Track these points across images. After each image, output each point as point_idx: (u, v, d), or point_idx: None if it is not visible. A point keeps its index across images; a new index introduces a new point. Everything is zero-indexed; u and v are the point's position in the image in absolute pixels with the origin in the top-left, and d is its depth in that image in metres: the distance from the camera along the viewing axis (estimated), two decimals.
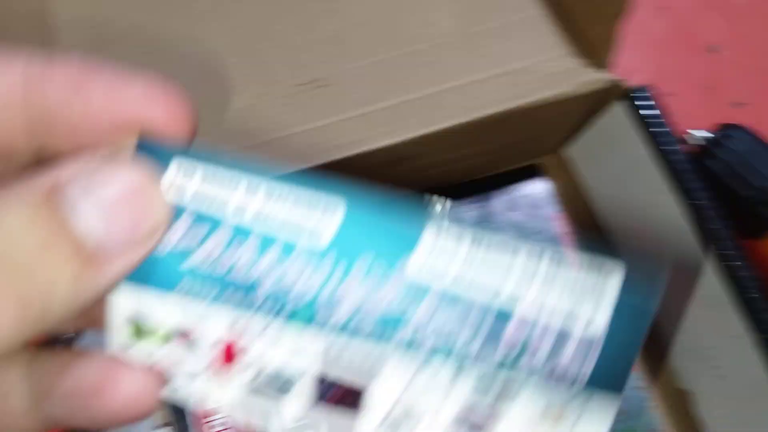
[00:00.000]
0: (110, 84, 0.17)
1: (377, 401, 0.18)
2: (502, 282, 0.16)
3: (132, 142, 0.17)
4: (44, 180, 0.15)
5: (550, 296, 0.16)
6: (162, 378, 0.18)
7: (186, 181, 0.17)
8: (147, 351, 0.18)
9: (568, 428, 0.17)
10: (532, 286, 0.16)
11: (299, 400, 0.18)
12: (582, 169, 0.40)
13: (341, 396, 0.18)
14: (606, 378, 0.17)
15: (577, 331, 0.16)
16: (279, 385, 0.18)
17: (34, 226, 0.15)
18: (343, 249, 0.17)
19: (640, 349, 0.16)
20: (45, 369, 0.18)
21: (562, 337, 0.16)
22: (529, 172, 0.44)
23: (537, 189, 0.44)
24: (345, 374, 0.17)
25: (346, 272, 0.17)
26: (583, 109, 0.34)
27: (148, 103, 0.17)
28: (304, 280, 0.17)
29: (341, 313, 0.17)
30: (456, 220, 0.17)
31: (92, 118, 0.17)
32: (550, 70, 0.30)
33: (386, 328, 0.17)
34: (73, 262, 0.15)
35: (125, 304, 0.18)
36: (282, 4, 0.32)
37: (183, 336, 0.18)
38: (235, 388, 0.18)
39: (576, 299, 0.16)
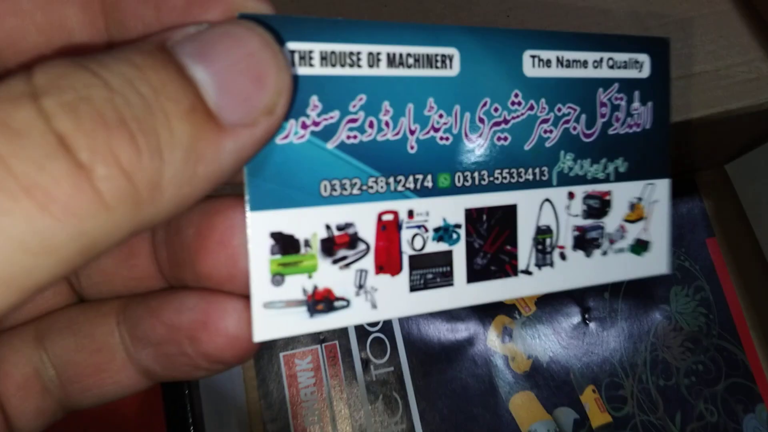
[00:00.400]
0: None
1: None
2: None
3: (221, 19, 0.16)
4: (155, 38, 0.15)
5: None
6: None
7: (304, 62, 0.18)
8: (299, 285, 0.18)
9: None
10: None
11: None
12: (747, 191, 0.38)
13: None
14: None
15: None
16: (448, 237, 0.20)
17: (150, 70, 0.13)
18: (467, 92, 0.20)
19: None
20: (137, 316, 0.18)
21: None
22: (682, 187, 0.40)
23: (690, 207, 0.41)
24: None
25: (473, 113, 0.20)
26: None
27: None
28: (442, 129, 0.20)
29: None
30: None
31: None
32: (737, 77, 0.28)
33: None
34: (192, 117, 0.14)
35: (262, 234, 0.18)
36: None
37: (339, 240, 0.19)
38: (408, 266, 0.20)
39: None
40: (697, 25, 0.29)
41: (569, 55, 0.22)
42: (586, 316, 0.44)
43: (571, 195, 0.23)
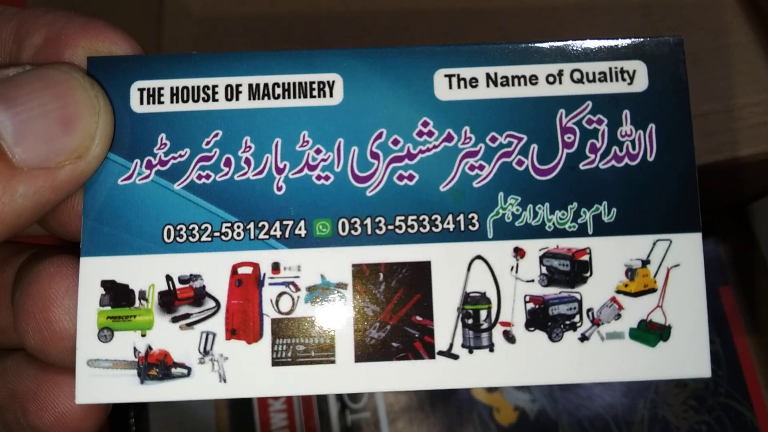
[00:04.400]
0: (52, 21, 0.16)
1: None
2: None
3: (77, 63, 0.16)
4: None
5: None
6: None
7: (153, 99, 0.17)
8: (129, 343, 0.16)
9: None
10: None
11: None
12: (767, 235, 0.32)
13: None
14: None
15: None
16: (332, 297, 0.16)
17: None
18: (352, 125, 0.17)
19: None
20: None
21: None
22: None
23: (703, 252, 0.34)
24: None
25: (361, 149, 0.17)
26: None
27: (86, 34, 0.16)
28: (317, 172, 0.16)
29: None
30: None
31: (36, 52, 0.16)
32: (754, 119, 0.22)
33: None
34: None
35: (92, 282, 0.16)
36: None
37: (182, 294, 0.16)
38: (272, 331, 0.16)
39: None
40: (710, 58, 0.23)
41: (507, 70, 0.17)
42: None
43: (518, 252, 0.16)
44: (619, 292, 0.16)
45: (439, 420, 0.38)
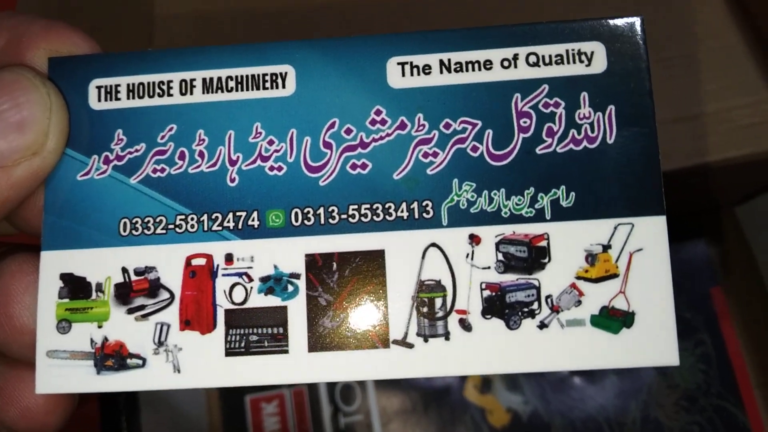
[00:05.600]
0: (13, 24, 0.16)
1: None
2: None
3: (38, 64, 0.17)
4: None
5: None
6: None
7: (111, 96, 0.17)
8: (86, 334, 0.16)
9: None
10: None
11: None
12: (760, 237, 0.32)
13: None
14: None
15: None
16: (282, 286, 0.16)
17: None
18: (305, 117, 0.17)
19: None
20: None
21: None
22: (686, 230, 0.30)
23: (694, 253, 0.37)
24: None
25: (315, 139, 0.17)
26: None
27: (46, 36, 0.16)
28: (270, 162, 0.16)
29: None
30: None
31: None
32: (742, 120, 0.22)
33: None
34: None
35: (52, 275, 0.16)
36: None
37: (137, 286, 0.16)
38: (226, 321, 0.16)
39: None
40: (699, 61, 0.23)
41: (460, 56, 0.17)
42: None
43: (474, 239, 0.16)
44: (579, 278, 0.16)
45: (431, 422, 0.37)
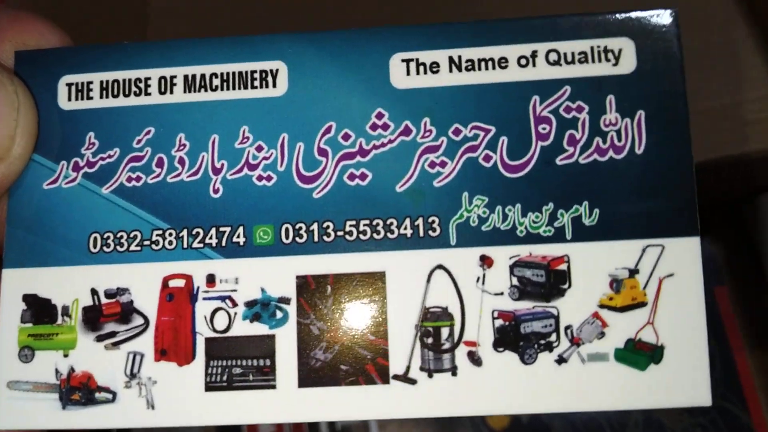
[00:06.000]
0: None
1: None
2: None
3: (4, 58, 0.15)
4: None
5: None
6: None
7: (82, 95, 0.15)
8: (51, 364, 0.14)
9: None
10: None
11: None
12: (765, 235, 0.32)
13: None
14: None
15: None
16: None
17: None
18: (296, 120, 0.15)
19: None
20: None
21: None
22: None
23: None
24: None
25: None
26: None
27: (12, 27, 0.15)
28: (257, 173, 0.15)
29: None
30: None
31: None
32: (750, 116, 0.22)
33: None
34: None
35: (14, 296, 0.15)
36: None
37: (107, 310, 0.14)
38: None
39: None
40: (708, 56, 0.23)
41: (472, 52, 0.15)
42: None
43: (485, 261, 0.14)
44: (602, 306, 0.14)
45: (430, 424, 0.37)
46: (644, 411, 0.37)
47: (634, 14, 0.15)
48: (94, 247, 0.15)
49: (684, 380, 0.14)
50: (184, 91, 0.15)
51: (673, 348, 0.14)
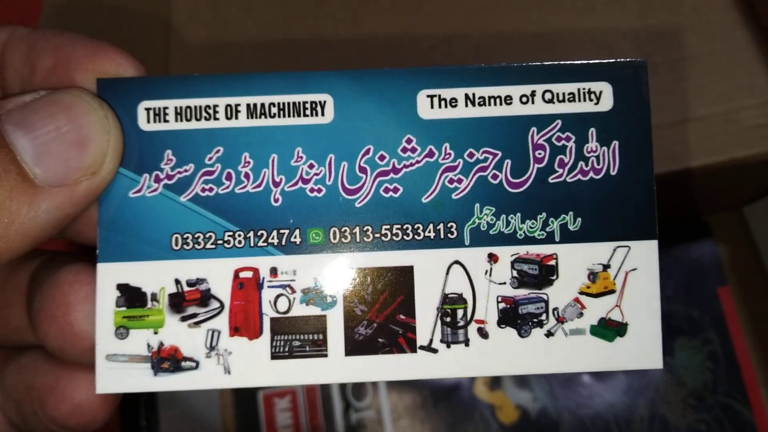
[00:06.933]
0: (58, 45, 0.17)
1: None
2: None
3: (87, 84, 0.17)
4: None
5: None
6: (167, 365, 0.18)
7: (159, 118, 0.18)
8: (143, 340, 0.18)
9: None
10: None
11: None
12: (766, 236, 0.33)
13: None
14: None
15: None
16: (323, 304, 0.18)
17: None
18: (342, 143, 0.18)
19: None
20: (9, 369, 0.19)
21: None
22: (694, 231, 0.32)
23: (701, 253, 0.37)
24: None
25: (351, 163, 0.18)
26: None
27: (93, 57, 0.17)
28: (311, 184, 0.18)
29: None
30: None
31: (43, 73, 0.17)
32: (750, 122, 0.23)
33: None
34: (4, 179, 0.15)
35: (109, 285, 0.18)
36: None
37: (189, 296, 0.18)
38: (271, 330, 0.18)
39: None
40: (708, 63, 0.24)
41: (484, 91, 0.18)
42: None
43: (492, 257, 0.18)
44: (581, 293, 0.18)
45: (441, 418, 0.38)
46: (650, 408, 0.38)
47: (612, 63, 0.18)
48: (176, 245, 0.18)
49: (642, 349, 0.18)
50: (247, 117, 0.18)
51: (634, 325, 0.18)
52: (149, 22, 0.32)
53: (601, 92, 0.18)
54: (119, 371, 0.18)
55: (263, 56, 0.31)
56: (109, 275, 0.18)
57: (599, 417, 0.39)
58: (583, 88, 0.18)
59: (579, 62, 0.18)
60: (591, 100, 0.18)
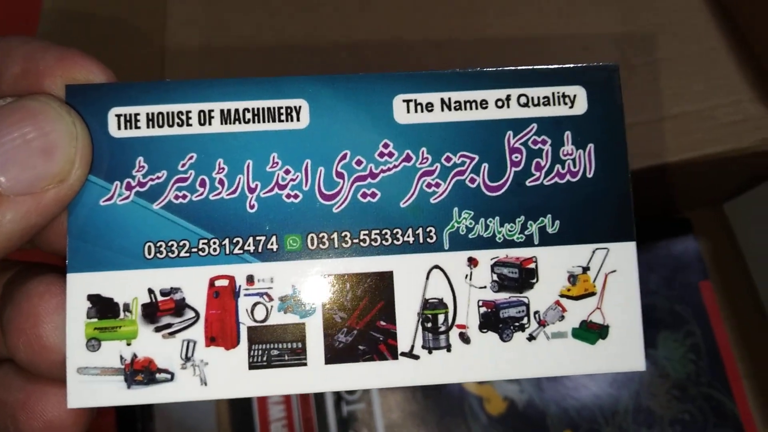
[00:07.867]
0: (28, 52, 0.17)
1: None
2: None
3: (56, 91, 0.17)
4: None
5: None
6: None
7: (131, 125, 0.18)
8: (116, 352, 0.17)
9: None
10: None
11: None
12: (746, 232, 0.34)
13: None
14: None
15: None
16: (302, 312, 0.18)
17: None
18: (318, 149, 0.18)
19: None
20: None
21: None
22: (676, 227, 0.34)
23: (683, 248, 0.38)
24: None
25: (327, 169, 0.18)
26: (762, 167, 0.24)
27: (62, 64, 0.17)
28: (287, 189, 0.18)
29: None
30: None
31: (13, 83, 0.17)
32: (725, 119, 0.24)
33: None
34: None
35: (79, 296, 0.17)
36: None
37: (163, 306, 0.17)
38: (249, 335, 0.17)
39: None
40: (684, 64, 0.25)
41: (459, 95, 0.18)
42: None
43: (472, 261, 0.18)
44: (562, 296, 0.18)
45: (431, 410, 0.39)
46: (635, 399, 0.39)
47: (586, 67, 0.19)
48: (149, 254, 0.18)
49: (624, 351, 0.18)
50: (221, 123, 0.18)
51: (615, 327, 0.18)
52: (145, 27, 0.31)
53: (575, 96, 0.19)
54: (91, 385, 0.17)
55: (258, 61, 0.31)
56: (80, 286, 0.17)
57: (585, 408, 0.40)
58: (558, 92, 0.19)
59: (553, 66, 0.19)
60: (566, 103, 0.19)
